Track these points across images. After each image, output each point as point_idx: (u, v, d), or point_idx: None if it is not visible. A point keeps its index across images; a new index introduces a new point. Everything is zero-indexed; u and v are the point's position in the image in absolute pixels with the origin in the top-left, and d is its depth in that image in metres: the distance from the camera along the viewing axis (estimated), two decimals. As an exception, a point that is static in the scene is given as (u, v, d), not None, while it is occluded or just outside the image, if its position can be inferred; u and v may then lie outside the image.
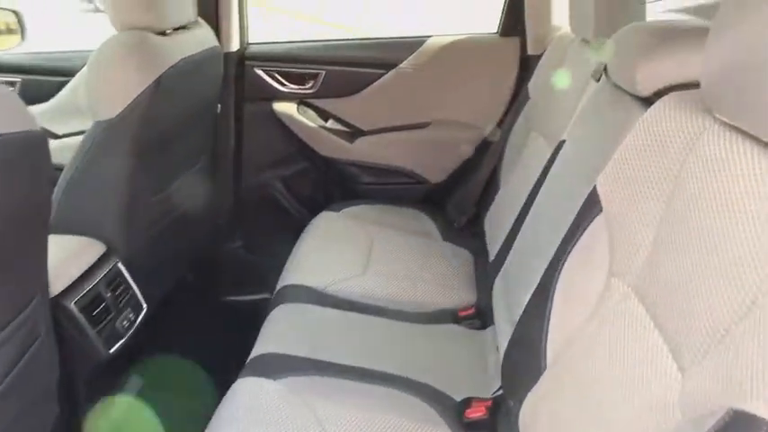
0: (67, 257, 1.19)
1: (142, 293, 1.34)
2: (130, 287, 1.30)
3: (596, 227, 0.86)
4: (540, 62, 1.62)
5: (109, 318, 1.22)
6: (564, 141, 1.19)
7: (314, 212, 1.74)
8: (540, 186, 1.22)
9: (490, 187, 1.70)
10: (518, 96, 1.74)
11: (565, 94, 1.34)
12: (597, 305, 0.83)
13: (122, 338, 1.24)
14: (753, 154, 0.60)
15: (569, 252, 0.90)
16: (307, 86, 1.87)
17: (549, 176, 1.19)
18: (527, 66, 1.76)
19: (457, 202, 1.83)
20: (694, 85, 0.87)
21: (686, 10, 1.62)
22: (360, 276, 1.43)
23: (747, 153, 0.61)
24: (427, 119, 1.88)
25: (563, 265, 0.91)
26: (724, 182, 0.63)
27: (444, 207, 1.84)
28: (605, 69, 1.05)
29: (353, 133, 1.90)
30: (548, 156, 1.29)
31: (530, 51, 1.76)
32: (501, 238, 1.38)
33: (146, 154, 1.28)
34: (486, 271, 1.45)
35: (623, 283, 0.79)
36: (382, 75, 1.85)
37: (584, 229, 0.88)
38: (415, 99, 1.86)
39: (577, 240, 0.89)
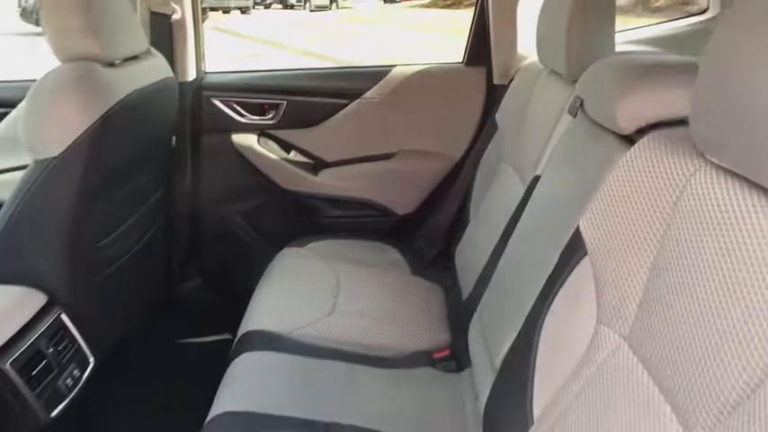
0: (2, 311, 1.07)
1: (89, 345, 1.23)
2: (75, 340, 1.19)
3: (582, 270, 0.82)
4: (508, 92, 1.59)
5: (50, 377, 1.10)
6: (539, 177, 1.15)
7: (277, 248, 1.66)
8: (516, 222, 1.18)
9: (460, 219, 1.66)
10: (485, 126, 1.71)
11: (535, 127, 1.31)
12: (586, 355, 0.78)
13: (66, 399, 1.13)
14: (750, 199, 0.56)
15: (553, 296, 0.86)
16: (267, 117, 1.80)
17: (525, 213, 1.15)
18: (493, 95, 1.74)
19: (426, 234, 1.78)
20: (677, 123, 0.85)
21: (643, 41, 1.63)
22: (327, 318, 1.35)
23: (746, 198, 0.57)
24: (393, 149, 1.83)
25: (547, 310, 0.86)
26: (720, 231, 0.59)
27: (413, 240, 1.78)
28: (581, 104, 1.02)
29: (317, 165, 1.84)
30: (521, 190, 1.26)
31: (496, 81, 1.74)
32: (474, 274, 1.32)
33: (93, 194, 1.18)
34: (459, 308, 1.39)
35: (614, 333, 0.75)
36: (346, 105, 1.79)
37: (569, 273, 0.84)
38: (381, 129, 1.81)
39: (562, 284, 0.84)
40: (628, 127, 0.85)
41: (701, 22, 1.60)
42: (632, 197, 0.75)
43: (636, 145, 0.76)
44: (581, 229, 0.81)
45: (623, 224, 0.75)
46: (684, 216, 0.66)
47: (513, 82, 1.59)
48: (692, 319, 0.61)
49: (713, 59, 0.60)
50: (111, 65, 1.22)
